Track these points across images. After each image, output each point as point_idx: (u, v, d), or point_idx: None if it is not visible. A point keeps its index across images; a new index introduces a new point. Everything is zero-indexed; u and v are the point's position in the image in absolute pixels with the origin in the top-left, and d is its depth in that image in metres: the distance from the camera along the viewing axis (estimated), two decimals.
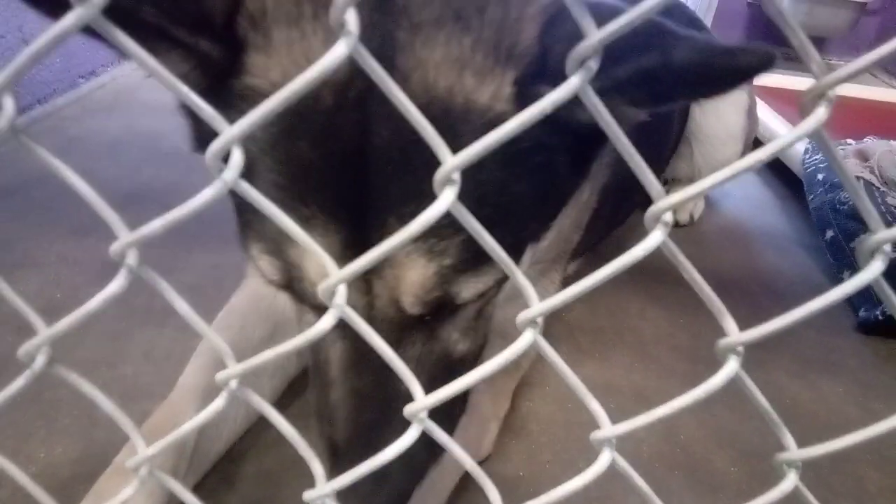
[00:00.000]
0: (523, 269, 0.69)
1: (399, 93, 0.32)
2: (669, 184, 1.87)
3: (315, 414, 0.71)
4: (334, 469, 0.62)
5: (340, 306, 0.38)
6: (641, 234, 0.34)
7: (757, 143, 1.88)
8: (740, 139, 1.74)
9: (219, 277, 1.29)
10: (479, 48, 0.57)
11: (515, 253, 0.68)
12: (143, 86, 2.24)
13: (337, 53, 0.30)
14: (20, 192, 1.54)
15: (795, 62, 0.44)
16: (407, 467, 0.64)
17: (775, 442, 0.43)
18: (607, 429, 0.42)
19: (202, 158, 0.35)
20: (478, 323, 0.73)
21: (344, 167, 0.56)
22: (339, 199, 0.57)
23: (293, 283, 0.61)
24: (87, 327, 0.52)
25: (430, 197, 0.34)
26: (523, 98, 0.57)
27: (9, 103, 0.33)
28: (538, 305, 0.38)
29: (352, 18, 0.29)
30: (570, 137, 0.61)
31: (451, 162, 0.33)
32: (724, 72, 0.45)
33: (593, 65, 0.31)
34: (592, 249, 1.43)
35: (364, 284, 0.60)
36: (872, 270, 0.33)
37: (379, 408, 0.64)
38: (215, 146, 0.33)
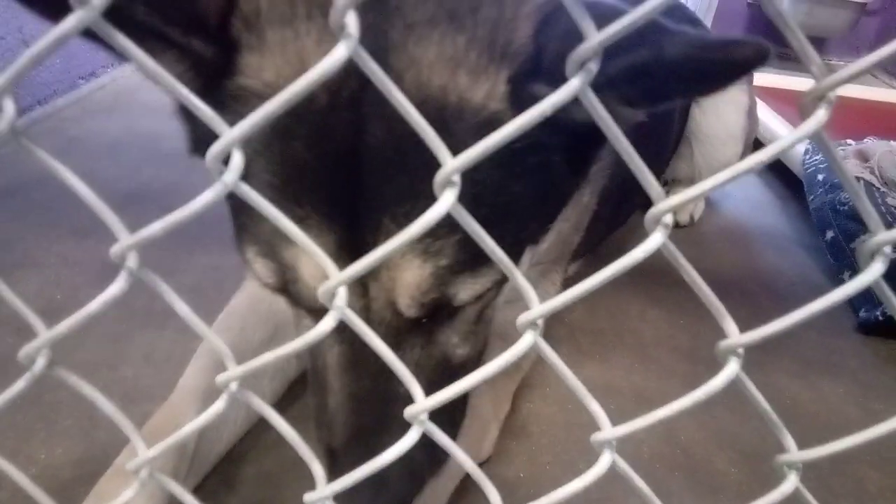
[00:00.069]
0: (523, 270, 0.68)
1: (399, 94, 0.32)
2: (669, 184, 1.87)
3: (314, 418, 0.71)
4: (333, 473, 0.62)
5: (341, 308, 0.38)
6: (642, 235, 0.34)
7: (757, 144, 1.88)
8: (740, 139, 1.74)
9: (219, 279, 1.29)
10: (473, 47, 0.57)
11: (514, 254, 0.68)
12: (142, 87, 2.24)
13: (338, 56, 0.30)
14: (20, 192, 1.54)
15: (795, 62, 0.44)
16: (407, 474, 0.64)
17: (776, 443, 0.43)
18: (608, 430, 0.42)
19: (201, 160, 0.35)
20: (477, 327, 0.73)
21: (338, 167, 0.55)
22: (333, 199, 0.56)
23: (289, 286, 0.61)
24: (87, 329, 0.52)
25: (424, 197, 0.34)
26: (517, 97, 0.57)
27: (9, 106, 0.33)
28: (539, 307, 0.38)
29: (352, 21, 0.29)
30: (568, 137, 0.61)
31: (452, 164, 0.33)
32: (718, 65, 0.44)
33: (593, 67, 0.31)
34: (593, 251, 1.43)
35: (360, 287, 0.60)
36: (873, 272, 0.33)
37: (378, 411, 0.64)
38: (216, 148, 0.33)
